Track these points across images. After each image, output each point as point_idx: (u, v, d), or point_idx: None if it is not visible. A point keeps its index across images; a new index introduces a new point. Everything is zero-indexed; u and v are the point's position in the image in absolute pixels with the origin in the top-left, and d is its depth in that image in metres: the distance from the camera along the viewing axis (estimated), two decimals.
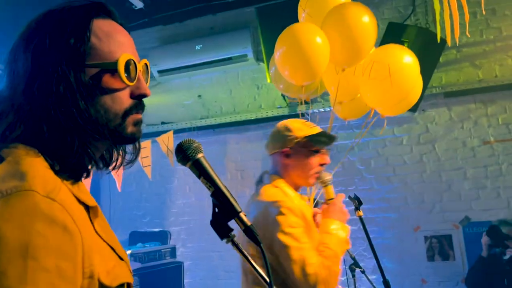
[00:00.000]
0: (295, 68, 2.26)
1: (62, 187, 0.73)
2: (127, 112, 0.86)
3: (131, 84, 0.86)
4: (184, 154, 1.03)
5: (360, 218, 2.31)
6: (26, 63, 0.80)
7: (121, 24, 0.90)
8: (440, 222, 4.27)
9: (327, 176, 2.06)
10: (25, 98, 0.78)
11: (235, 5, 4.72)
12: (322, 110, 4.72)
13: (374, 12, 4.53)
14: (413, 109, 3.95)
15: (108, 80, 0.83)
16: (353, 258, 2.79)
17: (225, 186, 1.01)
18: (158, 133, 4.08)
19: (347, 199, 2.40)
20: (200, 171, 1.02)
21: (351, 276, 2.78)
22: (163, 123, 5.18)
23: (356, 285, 2.85)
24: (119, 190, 3.81)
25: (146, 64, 0.93)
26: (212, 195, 1.01)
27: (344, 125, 4.69)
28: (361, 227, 4.41)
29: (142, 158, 3.92)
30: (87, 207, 0.78)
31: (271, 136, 2.07)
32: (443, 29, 2.68)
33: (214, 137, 5.03)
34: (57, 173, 0.76)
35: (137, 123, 0.89)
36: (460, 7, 2.40)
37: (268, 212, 1.82)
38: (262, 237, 1.89)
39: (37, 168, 0.73)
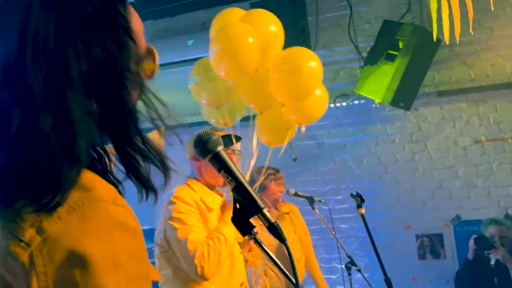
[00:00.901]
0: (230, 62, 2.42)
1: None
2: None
3: None
4: (204, 146, 0.99)
5: (362, 216, 2.30)
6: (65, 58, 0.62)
7: None
8: (431, 221, 4.28)
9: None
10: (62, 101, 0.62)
11: (229, 0, 4.65)
12: None
13: (367, 10, 4.55)
14: (406, 107, 3.95)
15: (140, 74, 0.76)
16: (349, 257, 2.77)
17: (246, 181, 0.96)
18: (149, 129, 3.99)
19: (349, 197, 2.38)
20: (220, 164, 0.98)
21: (347, 274, 2.76)
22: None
23: (351, 283, 2.83)
24: None
25: None
26: (233, 190, 0.96)
27: (337, 123, 4.69)
28: (353, 225, 4.39)
29: None
30: None
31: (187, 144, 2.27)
32: (439, 27, 2.66)
33: None
34: None
35: None
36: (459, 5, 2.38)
37: (164, 203, 2.06)
38: (160, 226, 2.03)
39: (88, 174, 0.66)
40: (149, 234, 4.81)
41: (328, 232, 3.01)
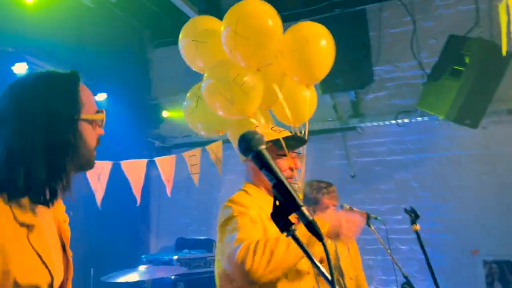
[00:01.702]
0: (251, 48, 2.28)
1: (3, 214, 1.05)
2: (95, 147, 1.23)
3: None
4: (247, 145, 1.03)
5: (417, 233, 2.18)
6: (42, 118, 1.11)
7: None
8: (501, 247, 3.99)
9: (295, 185, 1.93)
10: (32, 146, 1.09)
11: (288, 19, 4.71)
12: (375, 124, 4.59)
13: (432, 25, 4.41)
14: (473, 125, 3.75)
15: (90, 126, 1.21)
16: (406, 277, 2.65)
17: (286, 179, 0.99)
18: (208, 142, 4.11)
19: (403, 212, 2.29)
20: (262, 162, 1.01)
21: None
22: None
23: None
24: (169, 195, 3.86)
25: None
26: (273, 187, 0.99)
27: (399, 140, 4.55)
28: (414, 247, 4.18)
29: (191, 165, 3.96)
30: (28, 225, 1.08)
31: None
32: (509, 41, 2.52)
33: None
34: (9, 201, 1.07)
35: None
36: None
37: (221, 208, 1.86)
38: (217, 240, 1.80)
39: None
40: (205, 245, 4.89)
41: (386, 253, 2.90)
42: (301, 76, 2.53)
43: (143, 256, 4.43)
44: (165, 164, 3.89)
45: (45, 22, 3.70)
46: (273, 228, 1.79)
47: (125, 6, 4.67)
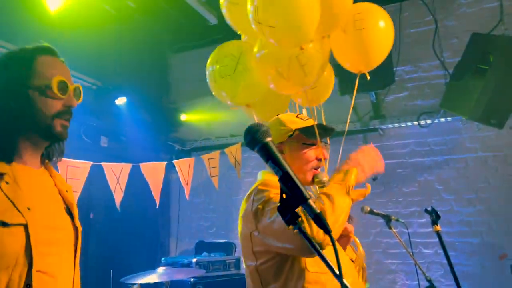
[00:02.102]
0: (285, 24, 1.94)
1: None
2: (56, 116, 1.26)
3: (63, 97, 1.27)
4: (253, 137, 1.01)
5: (438, 234, 2.11)
6: None
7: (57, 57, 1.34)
8: None
9: (324, 177, 1.78)
10: None
11: None
12: (397, 125, 4.51)
13: (455, 24, 4.31)
14: (499, 125, 3.63)
15: (42, 94, 1.25)
16: (429, 281, 2.57)
17: (293, 172, 0.97)
18: (227, 145, 4.11)
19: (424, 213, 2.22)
20: (268, 155, 1.00)
21: None
22: (231, 135, 5.24)
23: None
24: (187, 198, 3.86)
25: (78, 87, 1.34)
26: (279, 180, 0.97)
27: (422, 142, 4.45)
28: (438, 251, 4.06)
29: (210, 168, 3.96)
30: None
31: None
32: None
33: None
34: None
35: (64, 127, 1.28)
36: None
37: (250, 194, 1.69)
38: (248, 229, 1.62)
39: None
40: (225, 248, 4.87)
41: (409, 257, 2.82)
42: (358, 58, 2.31)
43: (162, 258, 4.45)
44: (184, 167, 3.90)
45: (67, 29, 3.76)
46: None
47: (145, 12, 4.73)
